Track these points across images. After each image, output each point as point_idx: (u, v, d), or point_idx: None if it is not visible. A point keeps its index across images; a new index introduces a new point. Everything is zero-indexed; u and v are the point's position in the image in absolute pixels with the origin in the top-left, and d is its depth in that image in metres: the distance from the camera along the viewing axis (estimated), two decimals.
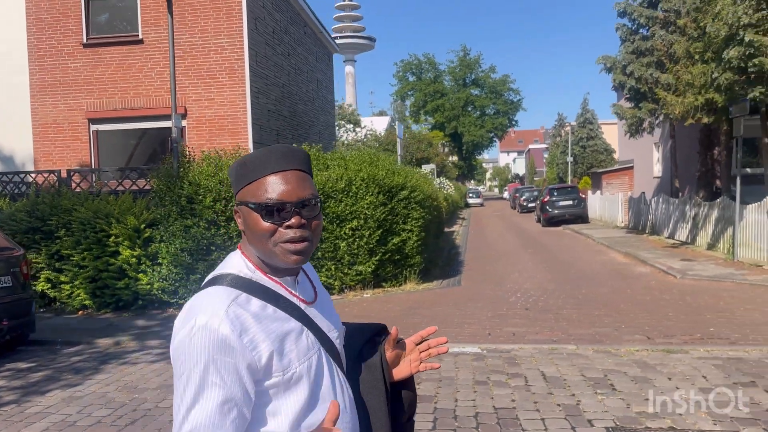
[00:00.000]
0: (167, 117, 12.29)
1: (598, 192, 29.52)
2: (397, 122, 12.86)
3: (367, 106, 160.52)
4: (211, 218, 8.51)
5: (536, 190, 37.73)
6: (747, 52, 9.83)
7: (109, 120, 12.50)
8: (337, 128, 36.33)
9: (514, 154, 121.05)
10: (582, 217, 26.44)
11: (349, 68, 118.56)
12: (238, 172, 1.26)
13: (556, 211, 26.18)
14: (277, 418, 1.20)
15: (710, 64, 11.24)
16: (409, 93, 71.29)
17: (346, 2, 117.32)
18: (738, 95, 10.69)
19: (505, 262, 14.57)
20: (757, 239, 11.69)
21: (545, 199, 26.98)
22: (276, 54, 13.79)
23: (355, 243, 10.07)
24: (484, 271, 13.33)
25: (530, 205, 36.04)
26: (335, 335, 1.35)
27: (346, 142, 35.89)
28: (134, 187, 10.38)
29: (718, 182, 17.68)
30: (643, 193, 21.07)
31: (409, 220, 11.11)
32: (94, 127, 12.58)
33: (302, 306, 1.29)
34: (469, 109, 68.48)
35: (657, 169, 24.13)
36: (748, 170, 18.03)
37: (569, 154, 36.29)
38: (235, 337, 1.13)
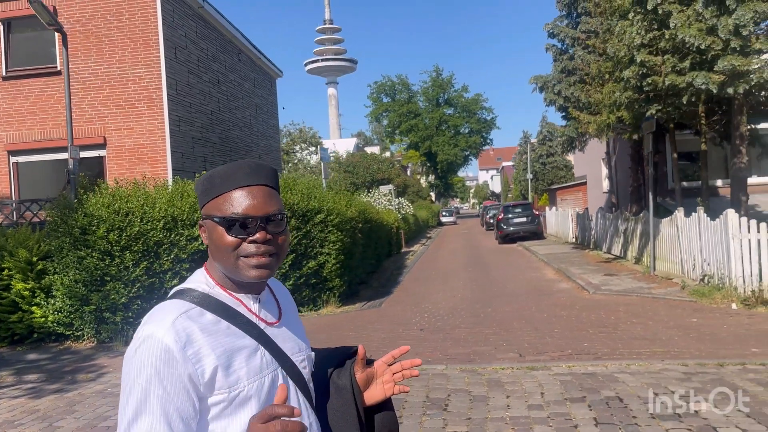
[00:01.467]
0: (88, 147, 12.36)
1: (554, 208, 29.86)
2: (319, 146, 12.91)
3: (348, 127, 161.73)
4: (105, 249, 8.51)
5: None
6: (640, 72, 10.11)
7: (29, 152, 12.50)
8: (299, 150, 36.58)
9: (493, 172, 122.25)
10: (537, 234, 26.69)
11: (331, 90, 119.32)
12: (205, 186, 1.26)
13: (511, 228, 26.43)
14: None
15: (619, 83, 11.54)
16: (383, 114, 72.13)
17: (327, 26, 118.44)
18: (639, 113, 10.98)
19: (438, 282, 14.66)
20: (671, 253, 11.91)
21: (500, 217, 27.26)
22: (202, 82, 13.91)
23: None
24: (413, 291, 13.40)
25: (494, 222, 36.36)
26: (300, 359, 1.31)
27: (310, 164, 36.10)
28: (36, 219, 10.39)
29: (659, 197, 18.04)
30: (587, 208, 21.38)
31: (327, 243, 11.16)
32: (14, 159, 12.57)
33: (261, 325, 1.26)
34: (443, 128, 69.35)
35: (606, 185, 24.50)
36: (684, 183, 18.44)
37: (529, 171, 36.80)
38: (178, 349, 1.11)
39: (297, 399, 1.27)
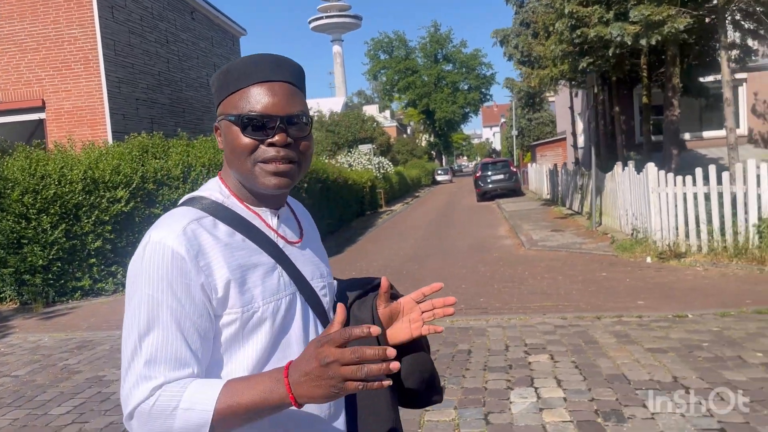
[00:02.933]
0: (27, 110, 12.34)
1: (534, 165, 29.70)
2: None
3: (354, 83, 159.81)
4: (20, 212, 8.57)
5: None
6: (570, 24, 9.88)
7: None
8: None
9: (497, 129, 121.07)
10: (515, 191, 26.58)
11: (336, 48, 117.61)
12: (220, 81, 1.12)
13: (489, 186, 26.31)
14: (229, 363, 1.05)
15: (556, 35, 11.31)
16: (381, 71, 71.33)
17: None
18: (575, 66, 10.78)
19: (393, 240, 14.71)
20: (613, 208, 11.87)
21: (478, 175, 27.11)
22: (146, 42, 13.73)
23: None
24: (363, 250, 13.46)
25: None
26: (320, 285, 1.19)
27: None
28: None
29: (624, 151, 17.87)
30: (555, 165, 21.24)
31: None
32: None
33: (280, 243, 1.14)
34: (442, 85, 68.52)
35: (581, 141, 24.24)
36: (653, 138, 18.26)
37: (514, 128, 36.39)
38: (190, 258, 1.00)
39: (314, 328, 1.15)
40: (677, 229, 8.68)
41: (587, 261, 9.30)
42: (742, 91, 18.40)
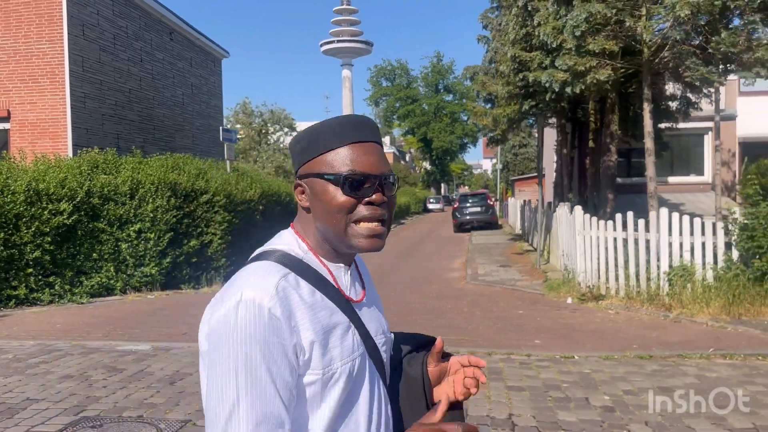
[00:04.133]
0: None
1: (512, 199, 30.07)
2: (221, 127, 13.14)
3: (358, 108, 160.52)
4: None
5: None
6: (513, 67, 10.23)
7: None
8: (273, 132, 36.79)
9: (496, 160, 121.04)
10: (491, 224, 26.86)
11: (346, 72, 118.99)
12: (308, 141, 1.13)
13: (466, 218, 26.63)
14: (309, 422, 1.05)
15: (504, 77, 11.67)
16: (382, 98, 72.43)
17: (344, 7, 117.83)
18: (520, 108, 11.12)
19: None
20: (556, 247, 12.09)
21: (455, 206, 27.45)
22: (117, 59, 14.10)
23: (141, 245, 10.37)
24: None
25: None
26: (381, 341, 1.19)
27: (280, 146, 36.52)
28: None
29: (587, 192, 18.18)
30: (524, 200, 21.53)
31: (212, 223, 11.46)
32: None
33: (351, 301, 1.14)
34: (441, 114, 69.46)
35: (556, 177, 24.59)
36: (619, 180, 18.56)
37: (498, 162, 36.86)
38: (285, 319, 1.00)
39: (376, 386, 1.15)
40: (599, 271, 8.90)
41: (514, 298, 9.50)
42: (708, 139, 18.78)
